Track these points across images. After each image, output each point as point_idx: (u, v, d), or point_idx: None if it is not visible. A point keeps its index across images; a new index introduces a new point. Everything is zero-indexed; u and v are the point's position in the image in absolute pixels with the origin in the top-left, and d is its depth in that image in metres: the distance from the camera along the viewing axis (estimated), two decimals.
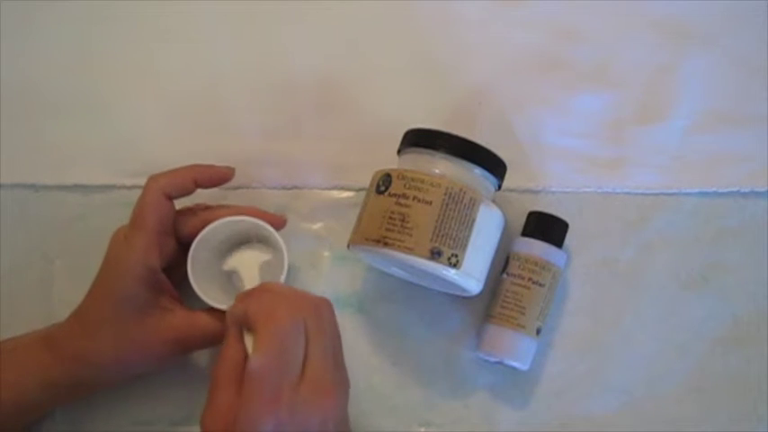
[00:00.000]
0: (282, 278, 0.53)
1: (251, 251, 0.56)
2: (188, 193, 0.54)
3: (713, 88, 0.62)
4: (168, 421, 0.57)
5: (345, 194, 0.61)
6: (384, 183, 0.53)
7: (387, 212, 0.52)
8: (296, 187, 0.61)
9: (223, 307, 0.52)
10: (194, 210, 0.55)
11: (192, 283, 0.52)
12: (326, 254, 0.60)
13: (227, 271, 0.55)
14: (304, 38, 0.62)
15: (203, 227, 0.53)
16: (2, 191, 0.60)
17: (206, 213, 0.54)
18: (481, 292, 0.55)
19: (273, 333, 0.45)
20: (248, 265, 0.54)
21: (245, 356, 0.46)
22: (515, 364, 0.56)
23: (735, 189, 0.61)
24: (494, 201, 0.55)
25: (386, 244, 0.51)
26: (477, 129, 0.61)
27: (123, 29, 0.62)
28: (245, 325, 0.47)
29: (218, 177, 0.55)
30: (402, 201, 0.52)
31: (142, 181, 0.55)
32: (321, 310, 0.48)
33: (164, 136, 0.61)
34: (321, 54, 0.62)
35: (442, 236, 0.51)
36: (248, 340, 0.46)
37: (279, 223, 0.55)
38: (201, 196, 0.56)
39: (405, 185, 0.52)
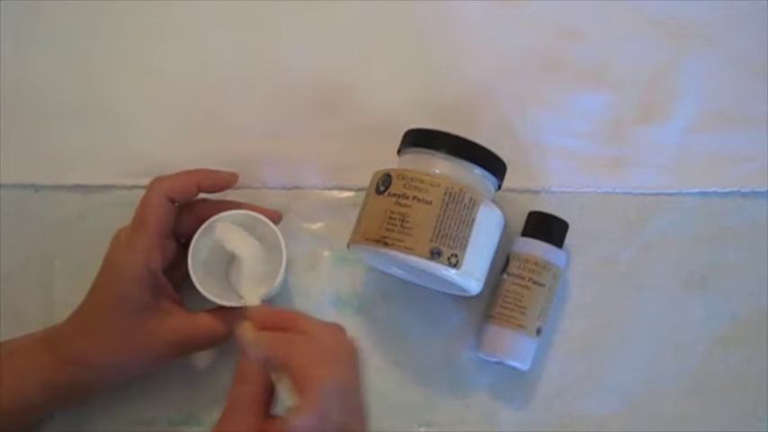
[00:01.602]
0: (281, 273, 0.53)
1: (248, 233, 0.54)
2: (191, 197, 0.54)
3: (713, 88, 0.62)
4: (168, 421, 0.57)
5: (345, 194, 0.61)
6: (384, 183, 0.53)
7: (387, 212, 0.52)
8: (296, 187, 0.61)
9: (224, 303, 0.52)
10: (192, 206, 0.55)
11: (193, 279, 0.52)
12: (327, 254, 0.60)
13: (221, 244, 0.53)
14: (304, 38, 0.62)
15: (202, 222, 0.53)
16: (2, 191, 0.60)
17: (204, 209, 0.54)
18: (481, 292, 0.55)
19: (320, 396, 0.43)
20: (247, 256, 0.53)
21: (269, 383, 0.45)
22: (515, 364, 0.56)
23: (735, 189, 0.61)
24: (494, 201, 0.55)
25: (386, 244, 0.51)
26: (477, 129, 0.61)
27: (123, 29, 0.62)
28: (282, 370, 0.45)
29: (221, 183, 0.55)
30: (402, 201, 0.52)
31: (142, 181, 0.55)
32: (358, 356, 0.47)
33: (164, 136, 0.61)
34: (321, 54, 0.62)
35: (442, 236, 0.51)
36: (282, 384, 0.45)
37: (275, 217, 0.55)
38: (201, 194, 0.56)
39: (405, 185, 0.52)
